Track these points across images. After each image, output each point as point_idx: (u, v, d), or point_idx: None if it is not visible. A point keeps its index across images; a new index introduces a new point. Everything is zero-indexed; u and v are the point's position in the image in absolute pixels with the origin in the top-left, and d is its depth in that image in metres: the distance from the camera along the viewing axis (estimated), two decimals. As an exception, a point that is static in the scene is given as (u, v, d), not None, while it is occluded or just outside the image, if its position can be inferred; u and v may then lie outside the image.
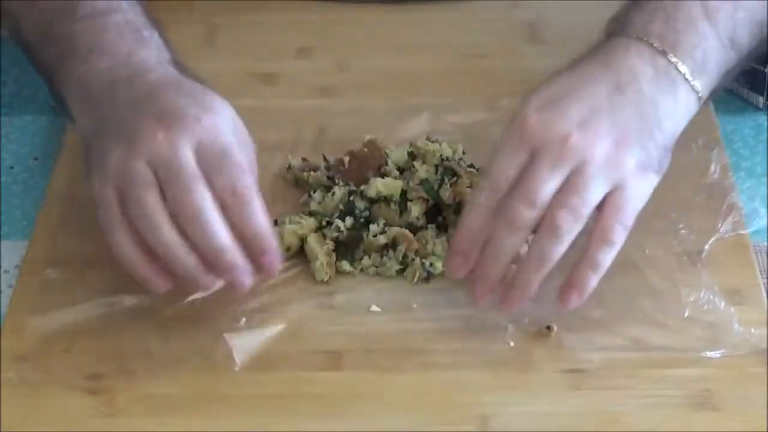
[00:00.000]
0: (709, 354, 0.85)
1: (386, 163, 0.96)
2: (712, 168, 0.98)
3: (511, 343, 0.86)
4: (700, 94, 0.86)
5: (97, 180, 0.84)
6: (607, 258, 0.83)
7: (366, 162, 0.96)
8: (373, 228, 0.91)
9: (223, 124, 0.85)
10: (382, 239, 0.91)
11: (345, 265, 0.91)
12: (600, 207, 0.82)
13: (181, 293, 0.90)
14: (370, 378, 0.85)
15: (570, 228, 0.81)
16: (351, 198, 0.93)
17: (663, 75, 0.85)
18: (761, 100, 1.05)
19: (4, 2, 0.97)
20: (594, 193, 0.82)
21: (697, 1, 0.87)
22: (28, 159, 1.04)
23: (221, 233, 0.82)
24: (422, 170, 0.94)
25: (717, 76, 0.88)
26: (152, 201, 0.82)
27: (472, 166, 0.95)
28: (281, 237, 0.91)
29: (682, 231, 0.94)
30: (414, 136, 1.00)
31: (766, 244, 0.94)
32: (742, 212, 0.95)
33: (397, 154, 0.97)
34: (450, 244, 0.86)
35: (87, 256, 0.93)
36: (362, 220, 0.92)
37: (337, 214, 0.92)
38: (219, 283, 0.84)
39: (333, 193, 0.94)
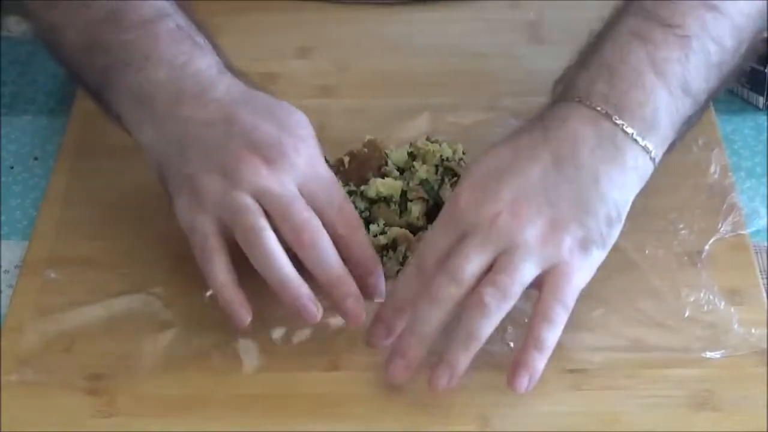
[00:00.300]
0: (709, 354, 0.85)
1: (386, 164, 0.96)
2: (712, 168, 0.98)
3: (511, 344, 0.86)
4: (652, 153, 0.84)
5: (189, 207, 0.85)
6: (550, 336, 0.81)
7: (366, 162, 0.96)
8: (374, 228, 0.91)
9: (315, 149, 0.87)
10: (383, 239, 0.91)
11: None
12: (539, 286, 0.81)
13: (179, 295, 0.90)
14: (369, 378, 0.85)
15: (498, 305, 0.80)
16: (351, 198, 0.93)
17: (607, 141, 0.82)
18: (761, 100, 1.05)
19: (43, 16, 0.95)
20: (524, 274, 0.80)
21: (643, 54, 0.84)
22: (28, 159, 1.04)
23: (338, 265, 0.83)
24: (422, 170, 0.94)
25: (672, 130, 0.85)
26: (270, 236, 0.82)
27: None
28: None
29: (683, 231, 0.93)
30: (414, 136, 1.00)
31: (766, 244, 0.93)
32: (742, 212, 0.95)
33: (397, 154, 0.97)
34: (375, 314, 0.84)
35: (87, 256, 0.93)
36: (362, 220, 0.92)
37: None
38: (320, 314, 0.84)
39: None
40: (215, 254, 0.83)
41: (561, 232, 0.81)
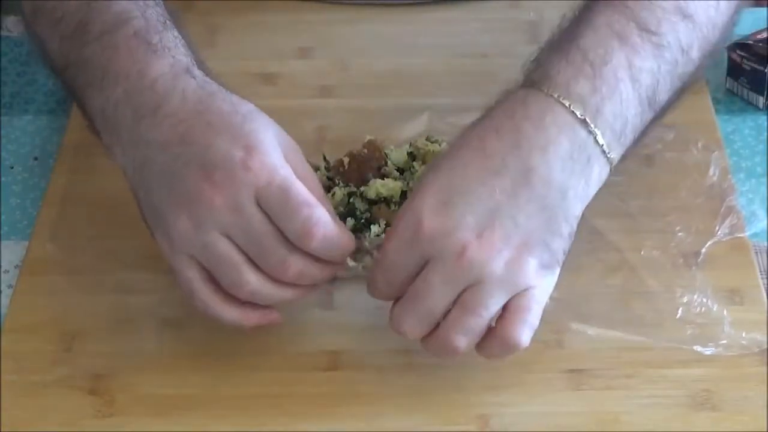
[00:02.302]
0: (699, 349, 0.85)
1: (386, 164, 0.96)
2: (711, 170, 0.98)
3: None
4: (612, 165, 0.80)
5: (167, 247, 0.81)
6: (508, 355, 0.80)
7: (366, 163, 0.96)
8: (375, 229, 0.91)
9: (270, 156, 0.79)
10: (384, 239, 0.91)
11: (348, 261, 0.90)
12: (504, 306, 0.79)
13: (179, 294, 0.90)
14: (369, 378, 0.85)
15: (469, 344, 0.79)
16: (351, 199, 0.93)
17: (579, 152, 0.78)
18: (761, 100, 1.05)
19: (31, 29, 0.92)
20: (492, 309, 0.78)
21: (624, 58, 0.81)
22: (28, 159, 1.04)
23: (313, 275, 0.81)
24: (422, 170, 0.94)
25: (630, 144, 0.82)
26: (251, 276, 0.79)
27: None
28: None
29: (680, 233, 0.93)
30: (414, 136, 1.00)
31: (766, 244, 0.93)
32: (740, 215, 0.94)
33: (396, 155, 0.97)
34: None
35: (87, 256, 0.93)
36: (363, 221, 0.92)
37: (338, 216, 0.92)
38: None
39: (333, 194, 0.94)
40: (204, 291, 0.81)
41: (528, 256, 0.77)
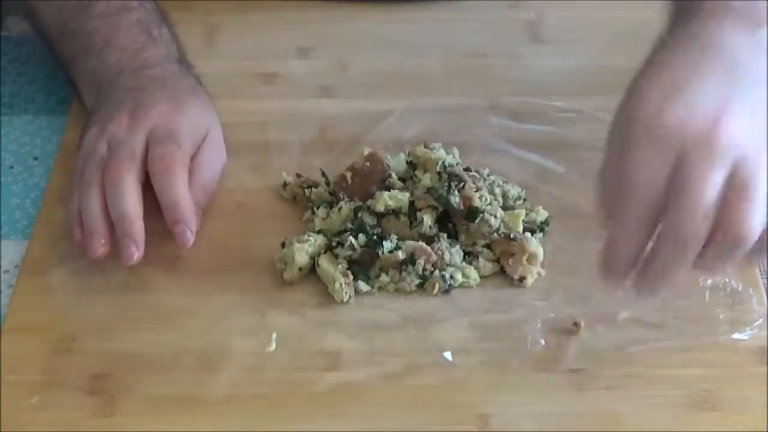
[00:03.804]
0: (737, 336, 0.86)
1: (390, 176, 0.96)
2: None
3: (542, 342, 0.86)
4: None
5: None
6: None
7: (368, 176, 0.95)
8: (388, 244, 0.90)
9: (185, 121, 0.94)
10: (400, 255, 0.90)
11: (362, 285, 0.90)
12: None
13: (179, 294, 0.90)
14: (369, 378, 0.85)
15: (757, 227, 0.75)
16: (359, 214, 0.92)
17: (762, 50, 0.79)
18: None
19: (28, 3, 1.06)
20: (757, 185, 0.75)
21: None
22: (28, 159, 1.04)
23: (130, 201, 0.89)
24: (426, 179, 0.94)
25: None
26: (90, 174, 0.91)
27: (468, 169, 0.95)
28: (292, 258, 0.90)
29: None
30: (414, 136, 1.00)
31: (766, 244, 0.93)
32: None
33: (396, 164, 0.96)
34: (605, 264, 0.79)
35: (87, 256, 0.92)
36: (375, 236, 0.91)
37: (348, 232, 0.91)
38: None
39: (340, 209, 0.93)
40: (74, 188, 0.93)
41: (763, 131, 0.76)
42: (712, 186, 0.74)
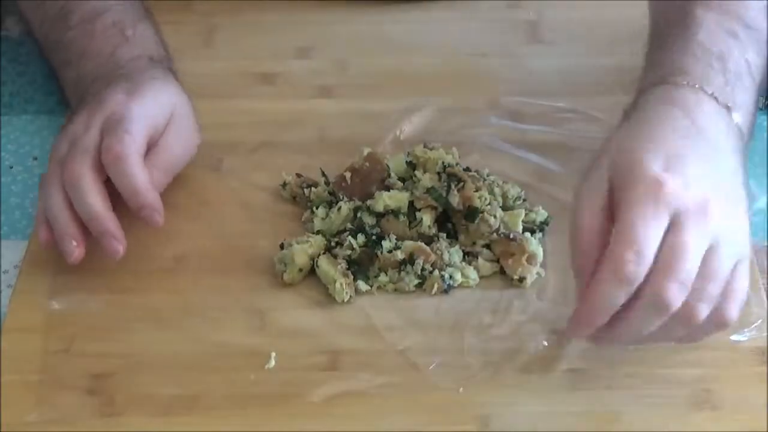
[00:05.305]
0: (735, 338, 0.86)
1: (389, 176, 0.96)
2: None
3: (545, 343, 0.86)
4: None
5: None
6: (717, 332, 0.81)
7: (368, 176, 0.95)
8: (387, 244, 0.91)
9: (138, 106, 0.91)
10: (399, 255, 0.90)
11: (362, 285, 0.90)
12: None
13: (179, 294, 0.90)
14: (369, 378, 0.85)
15: (707, 313, 0.78)
16: (358, 214, 0.92)
17: (731, 131, 0.83)
18: (761, 100, 1.05)
19: (19, 9, 1.08)
20: (727, 272, 0.78)
21: (740, 55, 0.87)
22: (28, 159, 1.04)
23: (93, 199, 0.88)
24: (426, 179, 0.94)
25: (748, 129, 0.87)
26: (52, 174, 0.90)
27: (468, 169, 0.95)
28: (291, 260, 0.90)
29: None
30: (414, 136, 1.00)
31: (766, 244, 0.93)
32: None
33: (395, 164, 0.96)
34: (577, 312, 0.79)
35: (87, 256, 0.92)
36: (374, 237, 0.91)
37: (347, 232, 0.92)
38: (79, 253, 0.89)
39: (339, 209, 0.93)
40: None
41: (744, 223, 0.80)
42: (694, 259, 0.76)
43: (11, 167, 1.03)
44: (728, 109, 0.83)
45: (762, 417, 0.82)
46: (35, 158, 1.04)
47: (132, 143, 0.89)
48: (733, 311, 0.78)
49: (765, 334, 0.86)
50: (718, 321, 0.78)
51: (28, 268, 0.93)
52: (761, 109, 1.05)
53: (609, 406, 0.83)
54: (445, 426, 0.82)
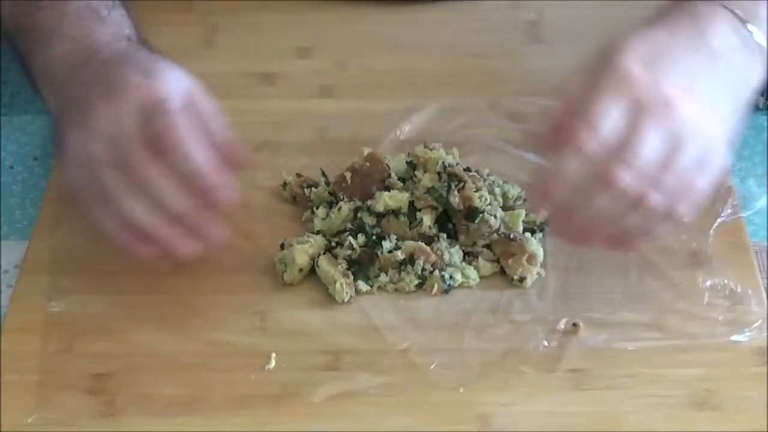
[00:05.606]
0: (735, 338, 0.86)
1: (389, 176, 0.96)
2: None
3: (545, 343, 0.86)
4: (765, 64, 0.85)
5: (64, 165, 0.87)
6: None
7: (368, 176, 0.95)
8: (387, 244, 0.91)
9: (164, 85, 0.86)
10: (399, 255, 0.90)
11: (362, 285, 0.90)
12: None
13: (179, 294, 0.90)
14: (369, 378, 0.85)
15: (663, 202, 0.80)
16: (359, 214, 0.92)
17: (746, 46, 0.84)
18: (761, 100, 1.05)
19: None
20: (687, 163, 0.80)
21: None
22: (28, 159, 1.04)
23: (175, 193, 0.83)
24: (426, 179, 0.94)
25: None
26: (112, 180, 0.83)
27: (468, 169, 0.95)
28: (292, 260, 0.90)
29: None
30: (414, 136, 1.00)
31: (766, 244, 0.94)
32: (742, 221, 0.95)
33: (396, 164, 0.96)
34: (539, 185, 0.81)
35: (86, 256, 0.93)
36: (374, 236, 0.91)
37: (348, 232, 0.92)
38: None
39: (339, 209, 0.93)
40: (93, 204, 0.85)
41: (720, 125, 0.81)
42: (651, 144, 0.78)
43: (11, 167, 1.03)
44: (744, 23, 0.84)
45: (762, 417, 0.82)
46: (35, 158, 1.04)
47: (182, 124, 0.84)
48: (685, 207, 0.80)
49: (765, 334, 0.86)
50: (668, 214, 0.80)
51: (28, 268, 0.93)
52: (761, 109, 1.05)
53: (609, 406, 0.83)
54: (445, 426, 0.82)
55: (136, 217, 0.83)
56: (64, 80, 0.90)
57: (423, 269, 0.90)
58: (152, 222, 0.83)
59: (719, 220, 0.94)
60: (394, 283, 0.90)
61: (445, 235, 0.92)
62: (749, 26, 0.84)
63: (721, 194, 0.95)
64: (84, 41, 0.91)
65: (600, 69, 0.81)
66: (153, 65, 0.87)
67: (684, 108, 0.79)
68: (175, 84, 0.86)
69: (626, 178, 0.78)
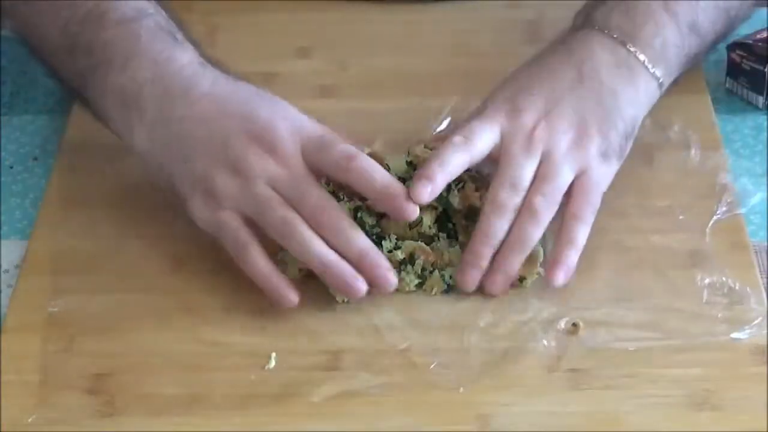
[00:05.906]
0: (735, 336, 0.86)
1: None
2: (710, 169, 0.98)
3: (544, 342, 0.86)
4: (660, 81, 0.94)
5: (207, 207, 0.88)
6: (580, 235, 0.88)
7: None
8: (387, 244, 0.91)
9: (291, 108, 0.90)
10: (399, 254, 0.90)
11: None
12: (569, 192, 0.89)
13: (179, 293, 0.90)
14: (369, 378, 0.85)
15: (546, 212, 0.88)
16: (359, 214, 0.92)
17: (622, 64, 0.92)
18: (761, 100, 1.05)
19: (20, 12, 0.97)
20: (563, 179, 0.89)
21: None
22: (28, 159, 1.04)
23: (361, 237, 0.87)
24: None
25: (678, 63, 0.95)
26: (297, 220, 0.86)
27: (468, 169, 0.95)
28: (292, 259, 0.90)
29: (680, 217, 0.94)
30: (414, 135, 1.00)
31: (766, 244, 0.93)
32: (740, 216, 0.95)
33: (396, 164, 0.96)
34: (465, 255, 0.90)
35: (87, 256, 0.93)
36: (374, 237, 0.91)
37: None
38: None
39: None
40: (250, 246, 0.87)
41: (587, 139, 0.90)
42: (521, 165, 0.89)
43: (11, 167, 1.03)
44: (623, 44, 0.93)
45: (762, 417, 0.82)
46: (35, 158, 1.04)
47: (345, 142, 0.89)
48: (582, 211, 0.89)
49: (765, 331, 0.86)
50: (572, 220, 0.89)
51: (28, 268, 0.93)
52: (761, 109, 1.05)
53: (609, 406, 0.83)
54: (445, 426, 0.82)
55: (317, 250, 0.86)
56: (157, 112, 0.89)
57: (423, 269, 0.90)
58: (336, 258, 0.86)
59: (715, 217, 0.94)
60: None
61: (445, 235, 0.92)
62: (629, 46, 0.93)
63: (716, 192, 0.96)
64: (168, 66, 0.90)
65: (477, 113, 0.92)
66: (277, 101, 0.91)
67: (543, 130, 0.89)
68: (297, 116, 0.90)
69: (506, 196, 0.88)
